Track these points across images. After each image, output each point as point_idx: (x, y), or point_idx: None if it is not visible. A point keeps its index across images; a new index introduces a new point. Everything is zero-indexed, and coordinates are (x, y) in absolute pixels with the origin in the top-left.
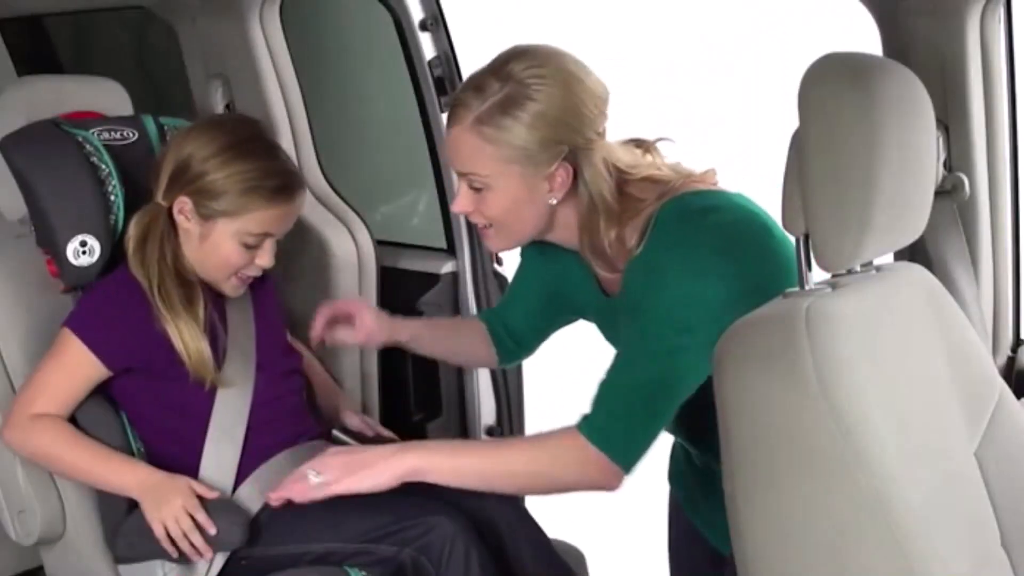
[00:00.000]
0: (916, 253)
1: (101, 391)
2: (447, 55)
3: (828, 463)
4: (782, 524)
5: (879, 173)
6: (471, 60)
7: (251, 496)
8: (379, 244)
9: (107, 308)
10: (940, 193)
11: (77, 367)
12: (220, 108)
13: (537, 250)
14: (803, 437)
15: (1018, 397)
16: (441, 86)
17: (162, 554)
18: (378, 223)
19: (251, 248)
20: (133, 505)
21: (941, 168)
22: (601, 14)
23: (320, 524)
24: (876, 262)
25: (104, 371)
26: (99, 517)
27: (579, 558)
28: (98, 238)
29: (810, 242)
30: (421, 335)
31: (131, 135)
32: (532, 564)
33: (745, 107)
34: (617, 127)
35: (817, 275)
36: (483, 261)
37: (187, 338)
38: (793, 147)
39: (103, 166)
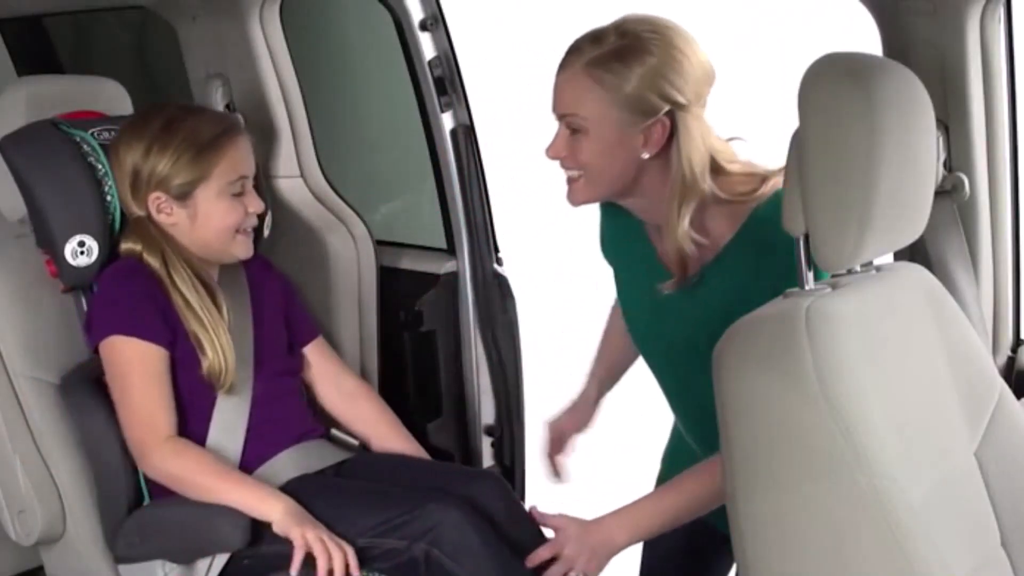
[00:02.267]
0: (916, 253)
1: (102, 387)
2: (447, 55)
3: (828, 463)
4: (782, 524)
5: (879, 173)
6: (471, 60)
7: None
8: (378, 244)
9: (126, 298)
10: (940, 193)
11: (151, 365)
12: (220, 107)
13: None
14: (803, 437)
15: (1018, 397)
16: (441, 86)
17: (163, 553)
18: (378, 223)
19: (239, 196)
20: (133, 505)
21: (941, 168)
22: (601, 15)
23: (324, 520)
24: (876, 262)
25: (166, 353)
26: (99, 517)
27: None
28: (96, 238)
29: (810, 242)
30: (605, 380)
31: None
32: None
33: (745, 107)
34: None
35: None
36: (483, 261)
37: (223, 342)
38: (793, 147)
39: (100, 166)
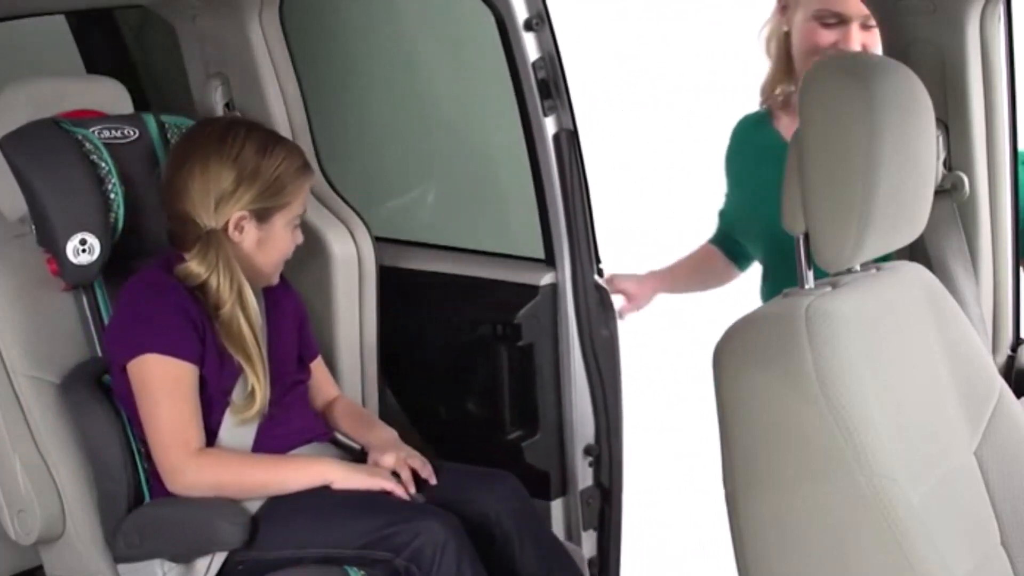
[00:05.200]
0: (916, 252)
1: (102, 387)
2: (552, 56)
3: (828, 463)
4: (782, 524)
5: (879, 172)
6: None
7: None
8: (474, 253)
9: (162, 314)
10: (940, 192)
11: (184, 383)
12: (220, 108)
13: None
14: (803, 437)
15: (1018, 396)
16: (545, 89)
17: (162, 553)
18: (472, 230)
19: (294, 230)
20: (133, 505)
21: (941, 167)
22: (642, 30)
23: (314, 527)
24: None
25: (197, 368)
26: (99, 517)
27: (579, 558)
28: (98, 236)
29: (810, 242)
30: (667, 289)
31: (131, 133)
32: (535, 560)
33: (745, 107)
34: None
35: None
36: (584, 272)
37: (261, 375)
38: (793, 147)
39: (103, 164)
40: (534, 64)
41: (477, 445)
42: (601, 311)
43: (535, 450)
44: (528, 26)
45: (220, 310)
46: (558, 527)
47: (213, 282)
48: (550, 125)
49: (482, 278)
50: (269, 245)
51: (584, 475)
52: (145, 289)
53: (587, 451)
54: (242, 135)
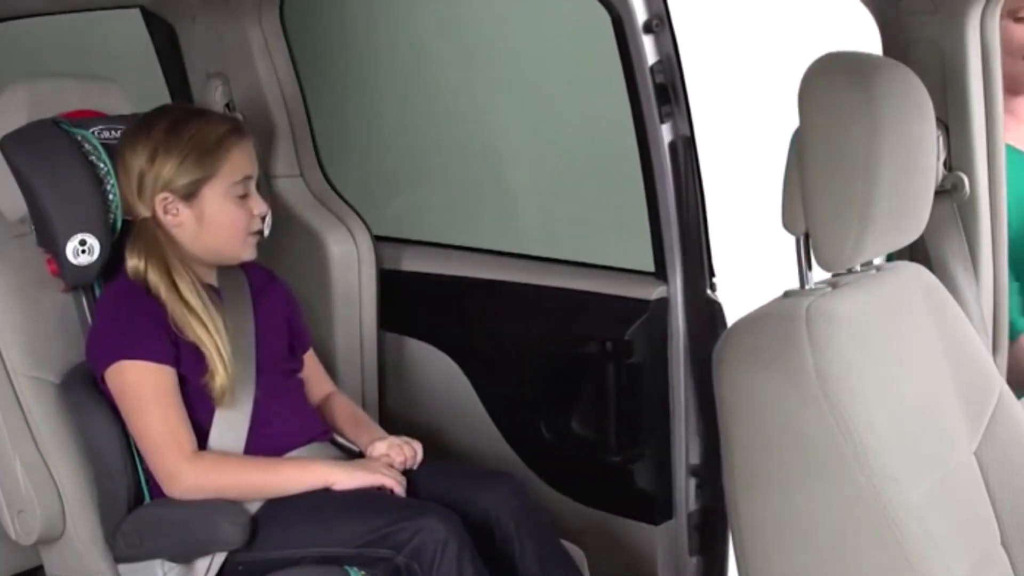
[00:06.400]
0: (916, 252)
1: (101, 392)
2: (671, 59)
3: (828, 463)
4: (782, 524)
5: (879, 172)
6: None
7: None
8: (579, 266)
9: (129, 319)
10: (940, 192)
11: (164, 386)
12: (220, 107)
13: None
14: (803, 436)
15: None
16: (663, 94)
17: (162, 553)
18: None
19: (244, 199)
20: (133, 505)
21: (941, 167)
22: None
23: (315, 528)
24: (875, 261)
25: (174, 370)
26: (99, 517)
27: (579, 558)
28: (97, 237)
29: (810, 242)
30: None
31: None
32: (535, 560)
33: (745, 107)
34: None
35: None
36: (697, 286)
37: (222, 349)
38: (793, 147)
39: (102, 165)
40: (652, 68)
41: (580, 466)
42: (712, 327)
43: (640, 473)
44: (647, 28)
45: (160, 298)
46: (663, 552)
47: (149, 273)
48: (666, 132)
49: (588, 291)
50: (210, 222)
51: (691, 499)
52: (114, 296)
53: (694, 473)
54: (155, 117)
